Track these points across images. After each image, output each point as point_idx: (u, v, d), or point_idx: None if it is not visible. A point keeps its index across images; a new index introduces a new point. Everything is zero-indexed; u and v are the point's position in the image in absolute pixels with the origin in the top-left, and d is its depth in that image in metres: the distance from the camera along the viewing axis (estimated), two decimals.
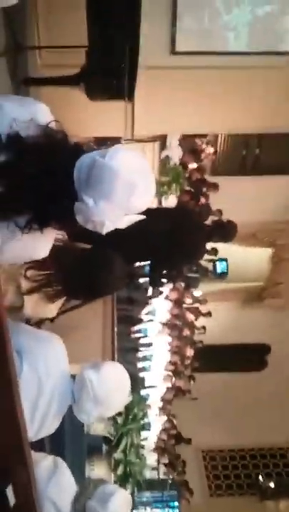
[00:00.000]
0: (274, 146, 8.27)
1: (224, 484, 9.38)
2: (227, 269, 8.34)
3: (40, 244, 1.64)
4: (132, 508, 2.64)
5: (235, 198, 7.45)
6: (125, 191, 1.42)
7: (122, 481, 4.90)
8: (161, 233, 2.98)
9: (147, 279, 5.05)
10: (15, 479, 1.68)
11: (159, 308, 6.96)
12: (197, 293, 7.88)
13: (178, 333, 7.55)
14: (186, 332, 7.68)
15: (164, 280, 5.29)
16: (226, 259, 8.24)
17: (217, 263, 8.16)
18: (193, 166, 7.57)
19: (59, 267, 2.03)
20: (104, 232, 1.48)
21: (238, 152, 8.44)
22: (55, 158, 1.46)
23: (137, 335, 6.57)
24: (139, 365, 6.69)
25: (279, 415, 8.62)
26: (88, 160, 1.44)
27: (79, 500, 2.18)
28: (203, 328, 7.99)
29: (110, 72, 3.41)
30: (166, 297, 7.18)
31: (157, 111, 4.79)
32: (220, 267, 8.20)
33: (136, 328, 6.52)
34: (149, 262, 3.47)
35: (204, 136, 7.72)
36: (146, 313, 6.73)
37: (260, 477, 9.29)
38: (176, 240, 3.02)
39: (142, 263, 3.72)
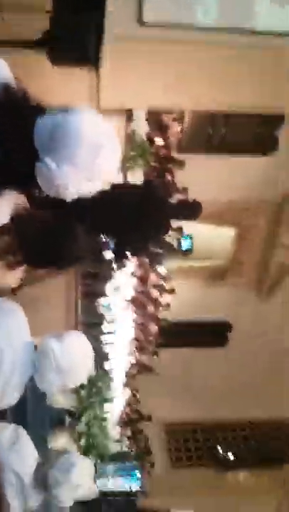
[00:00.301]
0: (240, 126, 8.28)
1: (185, 456, 9.65)
2: (192, 247, 8.38)
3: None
4: (94, 478, 2.67)
5: (201, 176, 7.45)
6: (90, 153, 1.37)
7: (85, 453, 4.95)
8: (130, 205, 2.97)
9: (112, 253, 5.02)
10: None
11: (123, 284, 6.96)
12: (162, 270, 7.91)
13: (142, 309, 7.60)
14: (151, 309, 7.73)
15: (128, 254, 5.29)
16: (190, 237, 8.26)
17: (182, 240, 8.17)
18: (159, 142, 7.51)
19: (20, 234, 1.97)
20: (67, 198, 1.44)
21: (205, 130, 8.41)
22: (14, 115, 1.40)
23: (101, 310, 6.57)
24: (103, 340, 6.71)
25: (239, 390, 8.88)
26: (51, 120, 1.39)
27: (41, 470, 2.18)
28: (168, 305, 8.06)
29: (75, 35, 3.29)
30: (132, 274, 7.18)
31: (124, 84, 4.70)
32: (185, 244, 8.23)
33: (100, 303, 6.51)
34: (114, 234, 3.46)
35: (171, 112, 7.65)
36: (111, 289, 6.72)
37: (220, 449, 9.60)
38: (144, 211, 3.03)
39: (107, 236, 3.70)
